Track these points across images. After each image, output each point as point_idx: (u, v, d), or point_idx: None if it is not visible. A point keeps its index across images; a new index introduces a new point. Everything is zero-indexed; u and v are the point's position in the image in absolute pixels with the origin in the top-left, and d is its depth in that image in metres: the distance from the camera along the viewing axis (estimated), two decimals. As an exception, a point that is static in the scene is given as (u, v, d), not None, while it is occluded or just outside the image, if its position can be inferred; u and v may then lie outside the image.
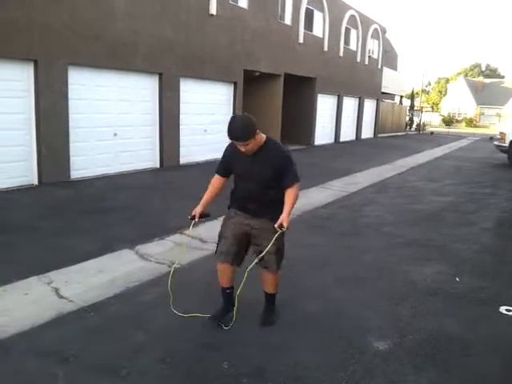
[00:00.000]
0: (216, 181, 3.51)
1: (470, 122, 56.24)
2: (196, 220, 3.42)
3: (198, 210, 3.43)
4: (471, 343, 3.37)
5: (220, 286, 3.53)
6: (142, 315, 3.64)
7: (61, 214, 6.66)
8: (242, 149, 3.16)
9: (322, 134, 20.38)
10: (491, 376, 2.99)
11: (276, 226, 3.13)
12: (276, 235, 3.18)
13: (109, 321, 3.53)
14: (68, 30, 8.70)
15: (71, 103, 8.96)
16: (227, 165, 3.43)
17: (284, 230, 3.15)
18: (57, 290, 4.00)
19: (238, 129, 3.09)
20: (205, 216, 3.46)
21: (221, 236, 3.46)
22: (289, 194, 3.21)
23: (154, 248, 5.26)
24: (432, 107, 68.90)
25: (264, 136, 3.25)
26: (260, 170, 3.21)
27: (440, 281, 4.60)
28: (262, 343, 3.27)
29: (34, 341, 3.20)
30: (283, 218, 3.13)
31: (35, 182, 8.55)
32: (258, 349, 3.20)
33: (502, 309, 3.93)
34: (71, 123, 9.00)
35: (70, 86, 8.89)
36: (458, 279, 4.63)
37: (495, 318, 3.82)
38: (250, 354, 3.13)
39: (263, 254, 3.28)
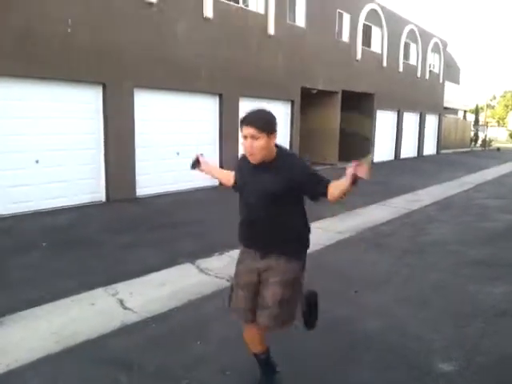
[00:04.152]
0: (229, 176, 3.00)
1: (542, 137, 53.07)
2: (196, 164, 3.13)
3: (203, 162, 3.12)
4: (546, 368, 3.17)
5: (252, 353, 2.84)
6: (203, 327, 3.71)
7: (127, 229, 6.96)
8: (248, 144, 2.49)
9: (382, 150, 20.00)
10: None
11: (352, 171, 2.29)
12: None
13: (170, 332, 3.63)
14: (134, 54, 9.20)
15: (137, 123, 9.41)
16: (236, 177, 2.85)
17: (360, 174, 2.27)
18: (121, 302, 4.18)
19: (257, 114, 2.52)
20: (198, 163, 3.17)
21: (232, 287, 2.78)
22: (335, 189, 2.45)
23: (213, 262, 5.37)
24: (498, 122, 65.78)
25: (275, 148, 2.58)
26: (269, 185, 2.50)
27: (509, 301, 4.35)
28: (322, 358, 3.23)
29: (100, 349, 3.35)
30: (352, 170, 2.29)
31: (103, 198, 9.00)
32: (318, 364, 3.17)
33: None
34: (137, 143, 9.44)
35: (136, 107, 9.36)
36: (530, 300, 4.36)
37: None
38: (309, 368, 3.10)
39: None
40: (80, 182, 8.64)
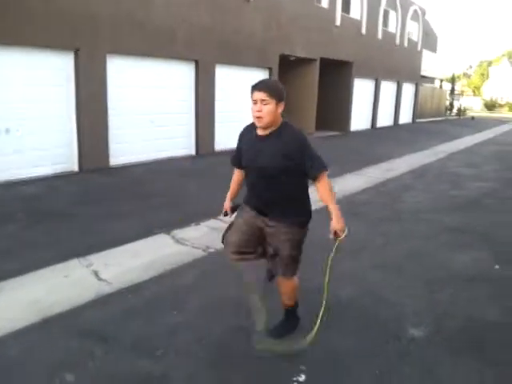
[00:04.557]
0: (236, 174, 3.20)
1: (514, 107, 53.98)
2: (230, 215, 3.17)
3: (227, 206, 3.17)
4: (510, 330, 3.28)
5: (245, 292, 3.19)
6: (179, 297, 3.71)
7: (101, 199, 6.85)
8: (257, 108, 2.68)
9: (359, 119, 20.03)
10: (533, 365, 2.89)
11: (331, 236, 2.74)
12: (335, 246, 2.77)
13: (146, 302, 3.61)
14: (108, 19, 8.85)
15: (110, 91, 9.14)
16: (240, 153, 3.01)
17: (342, 237, 2.72)
18: (96, 273, 4.13)
19: (268, 81, 2.84)
20: (236, 208, 3.17)
21: (230, 226, 3.08)
22: (323, 190, 2.74)
23: (190, 233, 5.33)
24: (473, 91, 66.51)
25: (281, 120, 2.81)
26: (271, 155, 2.71)
27: (479, 268, 4.48)
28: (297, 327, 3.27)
29: (74, 321, 3.31)
30: (334, 225, 2.71)
31: (76, 168, 8.81)
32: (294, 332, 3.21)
33: (546, 297, 3.80)
34: (110, 111, 9.20)
35: (108, 74, 9.07)
36: (497, 267, 4.49)
37: (538, 306, 3.69)
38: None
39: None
40: (51, 151, 8.40)
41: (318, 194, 2.79)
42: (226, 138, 12.27)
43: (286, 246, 2.83)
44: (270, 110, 2.67)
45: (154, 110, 10.24)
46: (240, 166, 3.07)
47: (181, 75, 10.89)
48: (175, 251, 4.75)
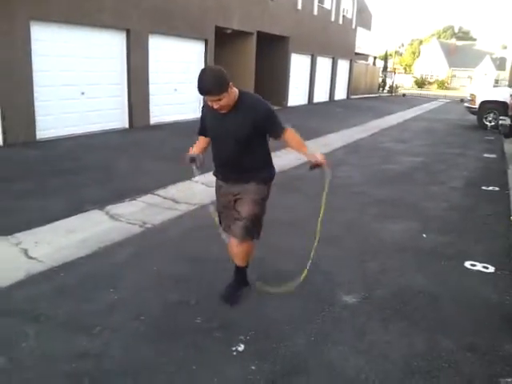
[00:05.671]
0: (201, 139, 3.21)
1: (442, 84, 56.74)
2: (197, 163, 3.03)
3: (191, 151, 3.11)
4: (437, 297, 3.49)
5: (232, 262, 3.27)
6: (114, 274, 3.62)
7: (28, 175, 6.48)
8: (215, 105, 2.78)
9: (296, 94, 20.21)
10: (457, 326, 3.11)
11: (312, 164, 2.94)
12: (326, 179, 3.11)
13: (80, 280, 3.50)
14: (28, -20, 8.22)
15: (35, 60, 8.57)
16: (204, 125, 3.11)
17: (323, 164, 2.93)
18: (26, 251, 3.93)
19: (209, 81, 2.71)
20: (193, 159, 3.05)
21: (217, 210, 3.26)
22: (293, 139, 2.94)
23: (124, 208, 5.19)
24: (405, 69, 69.02)
25: (237, 90, 2.88)
26: (236, 127, 2.85)
27: (408, 238, 4.72)
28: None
29: (3, 301, 3.15)
30: (312, 155, 2.92)
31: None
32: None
33: (467, 263, 4.07)
34: (35, 81, 8.64)
35: (33, 42, 8.48)
36: (424, 236, 4.76)
37: (460, 272, 3.95)
38: (221, 309, 3.16)
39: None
40: (-29, 123, 7.80)
41: (289, 145, 2.98)
42: (162, 110, 11.97)
43: (250, 204, 2.98)
44: (226, 100, 2.77)
45: (84, 81, 9.75)
46: (206, 135, 3.14)
47: (111, 44, 10.39)
48: (110, 227, 4.61)
